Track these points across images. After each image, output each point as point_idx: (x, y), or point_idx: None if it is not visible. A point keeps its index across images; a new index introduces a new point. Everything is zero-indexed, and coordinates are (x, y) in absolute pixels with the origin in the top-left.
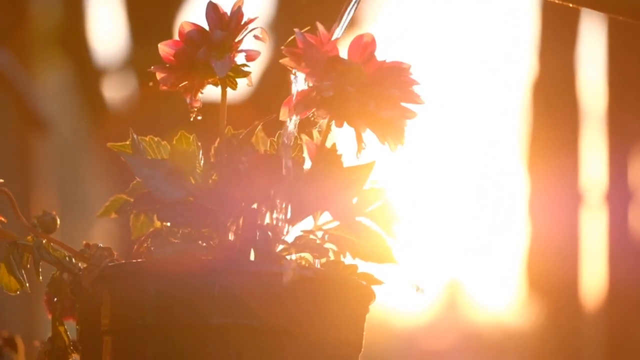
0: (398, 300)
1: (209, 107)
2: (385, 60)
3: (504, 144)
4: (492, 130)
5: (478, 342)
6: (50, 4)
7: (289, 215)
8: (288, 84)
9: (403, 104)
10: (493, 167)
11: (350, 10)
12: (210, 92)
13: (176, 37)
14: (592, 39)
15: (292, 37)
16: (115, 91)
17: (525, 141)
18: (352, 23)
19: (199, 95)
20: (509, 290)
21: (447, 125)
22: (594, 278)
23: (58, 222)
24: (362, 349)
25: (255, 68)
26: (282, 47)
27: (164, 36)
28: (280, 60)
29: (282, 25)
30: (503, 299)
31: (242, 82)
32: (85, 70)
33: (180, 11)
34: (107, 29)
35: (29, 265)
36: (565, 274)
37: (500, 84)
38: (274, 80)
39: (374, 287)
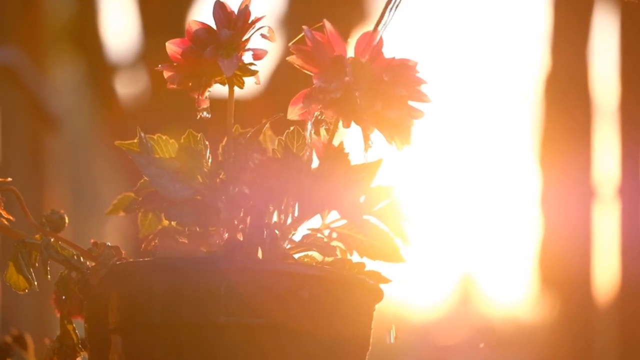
0: (411, 295)
1: (219, 104)
2: (393, 58)
3: (517, 139)
4: (504, 124)
5: (491, 336)
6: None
7: (296, 214)
8: (298, 80)
9: (410, 103)
10: (505, 161)
11: (392, 9)
12: (221, 89)
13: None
14: (605, 32)
15: (300, 35)
16: (127, 87)
17: (538, 135)
18: (362, 17)
19: (207, 93)
20: (522, 285)
21: (460, 120)
22: (606, 272)
23: (66, 220)
24: (370, 347)
25: (267, 64)
26: (290, 45)
27: (177, 31)
28: (288, 58)
29: (293, 21)
30: (516, 294)
31: (252, 80)
32: (97, 66)
33: (192, 6)
34: (119, 25)
35: (37, 264)
36: (577, 269)
37: (512, 77)
38: (286, 77)
39: (382, 285)
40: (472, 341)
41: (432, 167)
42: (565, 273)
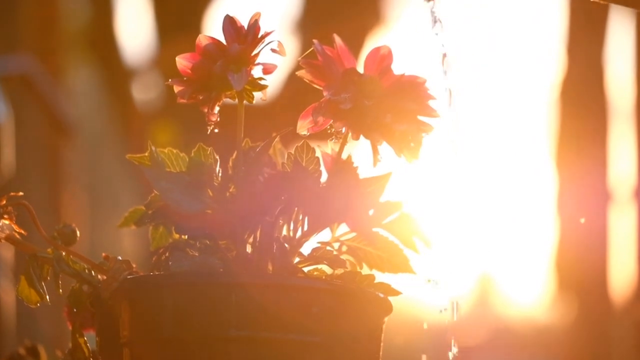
0: (428, 296)
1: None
2: (402, 74)
3: (533, 140)
4: (521, 126)
5: (509, 337)
6: (77, 6)
7: (305, 227)
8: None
9: (419, 117)
10: (522, 163)
11: None
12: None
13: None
14: (621, 34)
15: (309, 50)
16: (143, 92)
17: (554, 137)
18: (377, 19)
19: (216, 108)
20: (539, 286)
21: (476, 122)
22: (623, 274)
23: (78, 234)
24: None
25: (282, 70)
26: (300, 60)
27: (192, 36)
28: (297, 73)
29: (309, 24)
30: (533, 295)
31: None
32: (112, 72)
33: (208, 11)
34: (134, 30)
35: (48, 278)
36: (594, 270)
37: (529, 80)
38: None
39: (391, 298)
40: (490, 342)
41: (448, 169)
42: (582, 274)
